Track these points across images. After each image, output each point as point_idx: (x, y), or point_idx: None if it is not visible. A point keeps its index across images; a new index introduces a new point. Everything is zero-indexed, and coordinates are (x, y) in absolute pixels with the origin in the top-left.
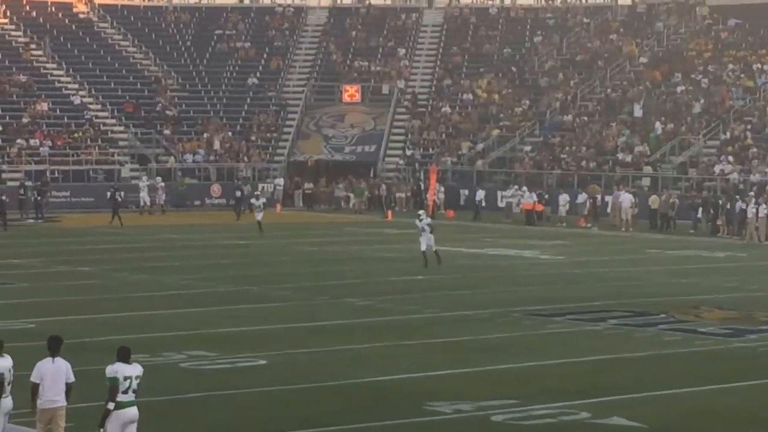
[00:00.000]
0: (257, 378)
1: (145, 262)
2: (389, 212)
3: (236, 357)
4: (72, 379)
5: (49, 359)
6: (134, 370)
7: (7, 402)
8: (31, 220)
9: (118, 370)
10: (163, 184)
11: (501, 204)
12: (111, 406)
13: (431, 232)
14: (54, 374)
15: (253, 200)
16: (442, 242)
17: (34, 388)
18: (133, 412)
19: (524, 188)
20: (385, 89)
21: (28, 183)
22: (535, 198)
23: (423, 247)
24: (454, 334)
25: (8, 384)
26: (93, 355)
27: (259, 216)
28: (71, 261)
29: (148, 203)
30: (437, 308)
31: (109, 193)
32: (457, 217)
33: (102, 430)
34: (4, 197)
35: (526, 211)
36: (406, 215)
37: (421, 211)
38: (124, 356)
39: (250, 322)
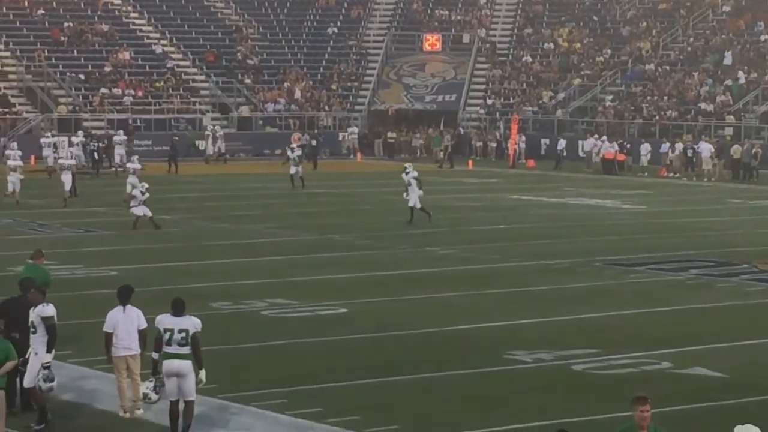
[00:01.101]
0: (338, 326)
1: (227, 211)
2: (469, 161)
3: (318, 305)
4: (144, 326)
5: (120, 308)
6: (179, 323)
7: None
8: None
9: (160, 321)
10: (222, 133)
11: (582, 153)
12: (155, 356)
13: (419, 187)
14: (126, 323)
15: (288, 152)
16: (524, 192)
17: (107, 338)
18: (175, 365)
19: (604, 138)
20: (466, 38)
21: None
22: (616, 147)
23: (411, 203)
24: (535, 284)
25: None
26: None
27: (293, 170)
28: (153, 209)
29: (212, 152)
30: (518, 257)
31: (171, 142)
32: (538, 167)
33: (157, 377)
34: (99, 143)
35: (607, 161)
36: (486, 164)
37: (407, 164)
38: (174, 308)
39: (331, 270)
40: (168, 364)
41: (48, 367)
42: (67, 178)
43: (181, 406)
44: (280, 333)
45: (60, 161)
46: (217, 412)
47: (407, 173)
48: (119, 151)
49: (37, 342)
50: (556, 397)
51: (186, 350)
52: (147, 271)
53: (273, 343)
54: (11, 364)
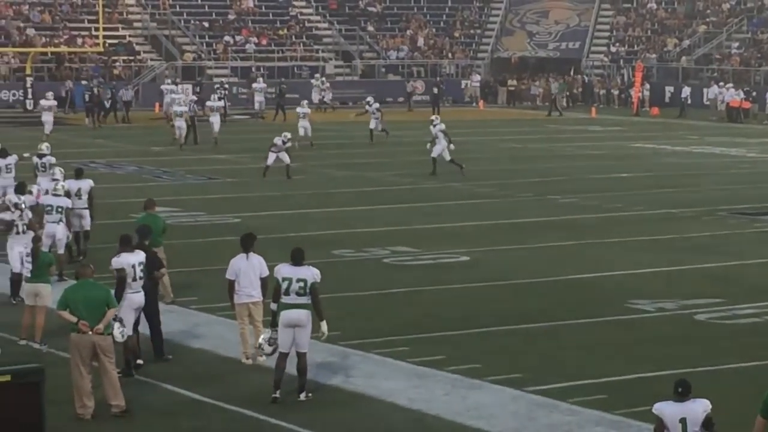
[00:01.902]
0: (459, 274)
1: (350, 158)
2: (593, 109)
3: (439, 253)
4: (266, 273)
5: (242, 256)
6: (298, 272)
7: (136, 297)
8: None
9: (278, 270)
10: (328, 84)
11: (706, 101)
12: (273, 306)
13: (448, 141)
14: (248, 270)
15: (367, 106)
16: (647, 140)
17: (230, 286)
18: (293, 315)
19: (730, 85)
20: None
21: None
22: (741, 95)
23: (434, 154)
24: (658, 233)
25: (135, 279)
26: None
27: (373, 124)
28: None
29: (316, 101)
30: (642, 206)
31: (277, 89)
32: (662, 115)
33: (275, 328)
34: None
35: (732, 108)
36: (610, 112)
37: (434, 117)
38: (293, 257)
39: (453, 218)
40: (286, 314)
41: (118, 320)
42: (180, 124)
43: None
44: (401, 281)
45: (174, 108)
46: (339, 359)
47: (434, 125)
48: (259, 98)
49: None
50: (678, 346)
51: (304, 300)
52: (269, 219)
53: (394, 291)
54: (112, 311)
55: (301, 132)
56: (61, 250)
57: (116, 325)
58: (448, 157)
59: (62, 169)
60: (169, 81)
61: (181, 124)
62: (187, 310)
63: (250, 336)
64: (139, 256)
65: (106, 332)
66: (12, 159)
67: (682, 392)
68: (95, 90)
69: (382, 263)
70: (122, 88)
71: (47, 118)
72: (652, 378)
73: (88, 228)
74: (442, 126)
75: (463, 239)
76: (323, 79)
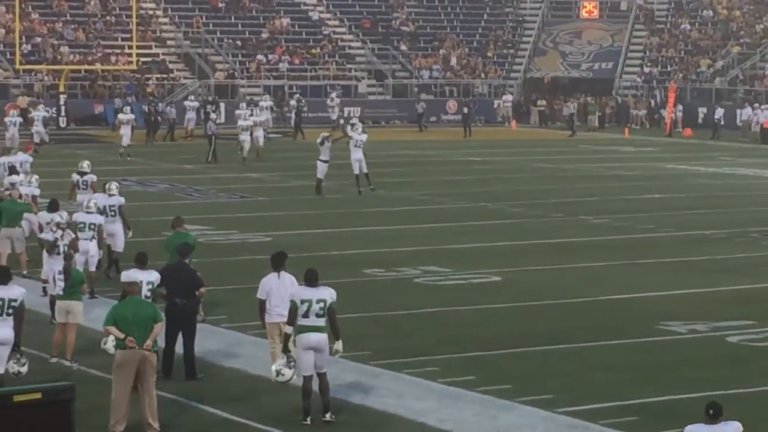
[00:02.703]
0: (490, 294)
1: (381, 178)
2: (626, 130)
3: (470, 273)
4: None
5: (274, 275)
6: (317, 293)
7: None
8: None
9: (296, 293)
10: (338, 101)
11: (739, 123)
12: (288, 329)
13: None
14: (279, 289)
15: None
16: (680, 161)
17: (261, 305)
18: (314, 338)
19: (764, 106)
20: (624, 5)
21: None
22: None
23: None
24: (690, 254)
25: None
26: (327, 270)
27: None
28: (302, 175)
29: (334, 118)
30: (673, 227)
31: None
32: (695, 136)
33: (287, 354)
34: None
35: (765, 130)
36: (643, 133)
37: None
38: (308, 279)
39: (484, 238)
40: (306, 337)
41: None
42: (245, 138)
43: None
44: (432, 300)
45: (240, 123)
46: (369, 378)
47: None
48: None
49: None
50: (710, 369)
51: (322, 322)
52: (301, 237)
53: (426, 311)
54: (159, 327)
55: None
56: (93, 268)
57: (111, 338)
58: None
59: (117, 184)
60: (191, 98)
61: (245, 138)
62: (217, 328)
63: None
64: (150, 275)
65: (153, 348)
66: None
67: (714, 415)
68: (146, 107)
69: (413, 283)
70: (168, 106)
71: (125, 131)
72: (684, 400)
73: (120, 249)
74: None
75: (495, 259)
76: (333, 95)
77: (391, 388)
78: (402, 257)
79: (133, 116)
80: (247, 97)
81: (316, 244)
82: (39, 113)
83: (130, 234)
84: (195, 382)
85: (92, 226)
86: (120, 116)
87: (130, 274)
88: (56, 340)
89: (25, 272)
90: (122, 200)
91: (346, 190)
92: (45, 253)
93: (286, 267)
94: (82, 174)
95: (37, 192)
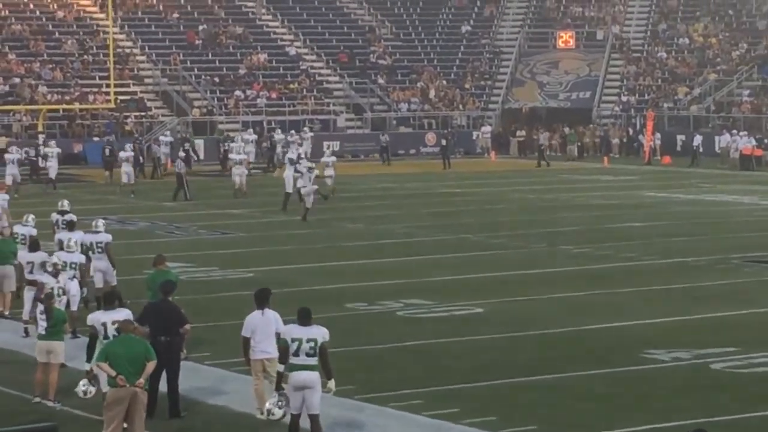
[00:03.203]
0: (473, 326)
1: (361, 211)
2: (605, 158)
3: (452, 305)
4: (282, 329)
5: (258, 312)
6: (307, 332)
7: None
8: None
9: (287, 331)
10: (296, 138)
11: (718, 150)
12: (280, 368)
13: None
14: (263, 326)
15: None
16: (660, 189)
17: (245, 342)
18: (303, 376)
19: (743, 133)
20: (600, 35)
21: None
22: (753, 143)
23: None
24: (672, 282)
25: (106, 338)
26: (310, 305)
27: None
28: (287, 210)
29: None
30: (655, 255)
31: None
32: (674, 163)
33: (281, 392)
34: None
35: (744, 156)
36: (621, 161)
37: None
38: (301, 317)
39: (466, 270)
40: (296, 376)
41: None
42: (240, 172)
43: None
44: (415, 333)
45: (232, 156)
46: (353, 413)
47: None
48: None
49: None
50: (694, 396)
51: (313, 361)
52: (283, 273)
53: (409, 344)
54: (151, 365)
55: (328, 182)
56: (74, 307)
57: (82, 382)
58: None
59: (104, 221)
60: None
61: (241, 171)
62: (201, 366)
63: (265, 392)
64: (116, 315)
65: (144, 387)
66: None
67: None
68: (132, 145)
69: (395, 316)
70: (154, 143)
71: (127, 169)
72: (669, 428)
73: (114, 282)
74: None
75: (477, 291)
76: (292, 132)
77: (375, 422)
78: (384, 290)
79: (132, 153)
80: (225, 133)
81: (299, 279)
82: (12, 155)
83: (114, 272)
84: (179, 420)
85: (73, 266)
86: (121, 154)
87: (92, 318)
88: (38, 380)
89: (7, 313)
90: (109, 237)
91: (325, 224)
92: (26, 293)
93: (269, 304)
94: (63, 213)
95: (34, 232)
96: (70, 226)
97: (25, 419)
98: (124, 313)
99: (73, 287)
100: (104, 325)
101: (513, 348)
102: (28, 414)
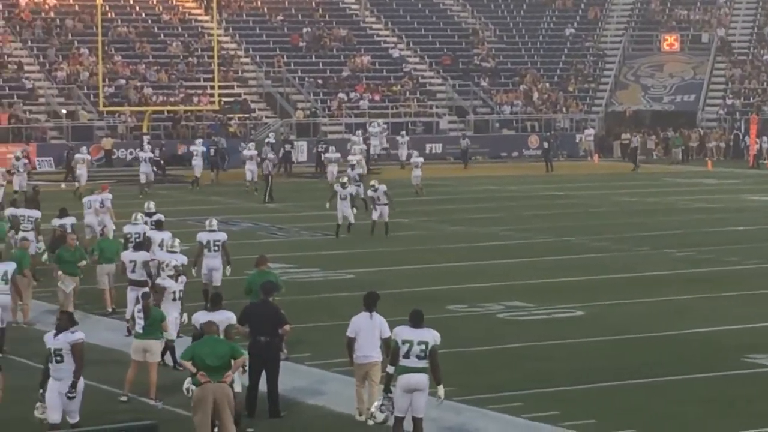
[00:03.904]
0: (574, 329)
1: (463, 213)
2: (708, 162)
3: (553, 308)
4: (387, 334)
5: (365, 314)
6: (419, 334)
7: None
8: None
9: (398, 332)
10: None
11: None
12: (390, 369)
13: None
14: (369, 330)
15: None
16: (764, 192)
17: (350, 342)
18: (413, 379)
19: None
20: (705, 38)
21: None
22: None
23: (374, 216)
24: None
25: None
26: (410, 306)
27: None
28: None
29: (404, 158)
30: (758, 259)
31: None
32: None
33: (388, 394)
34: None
35: None
36: (725, 165)
37: (373, 181)
38: (413, 320)
39: (567, 273)
40: (405, 378)
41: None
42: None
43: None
44: (516, 336)
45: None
46: (452, 415)
47: (375, 190)
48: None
49: None
50: None
51: (423, 363)
52: (383, 274)
53: (508, 346)
54: (242, 359)
55: (415, 182)
56: None
57: (187, 380)
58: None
59: (217, 220)
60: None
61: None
62: (301, 366)
63: (365, 396)
64: (218, 316)
65: (231, 384)
66: (69, 220)
67: None
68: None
69: (496, 318)
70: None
71: (250, 167)
72: None
73: (218, 284)
74: (384, 188)
75: (578, 294)
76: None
77: (474, 424)
78: (485, 293)
79: (256, 152)
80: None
81: (399, 280)
82: (145, 153)
83: (229, 271)
84: (278, 420)
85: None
86: (245, 152)
87: (197, 317)
88: (129, 378)
89: (109, 310)
90: (225, 236)
91: (425, 227)
92: (129, 293)
93: (377, 308)
94: (150, 215)
95: (145, 229)
96: (159, 225)
97: (126, 417)
98: (226, 315)
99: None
100: (218, 326)
101: (613, 351)
102: (129, 412)
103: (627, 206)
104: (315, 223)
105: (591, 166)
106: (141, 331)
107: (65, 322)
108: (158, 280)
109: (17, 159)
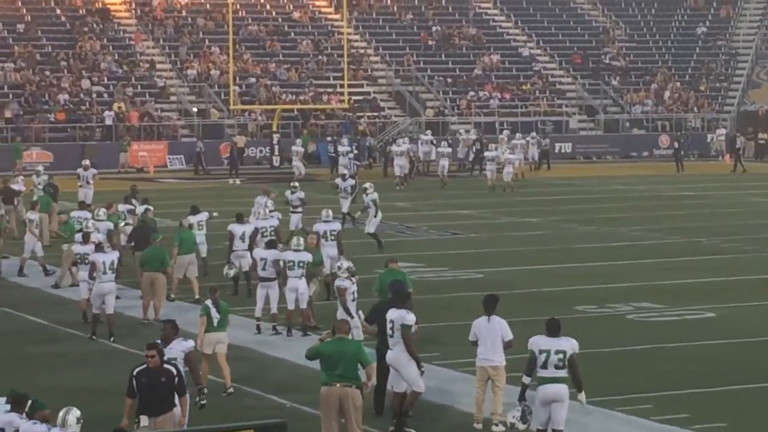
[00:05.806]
0: (705, 331)
1: (592, 213)
2: None
3: (684, 309)
4: (509, 337)
5: (484, 318)
6: (556, 344)
7: None
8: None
9: (535, 342)
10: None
11: None
12: (526, 380)
13: (374, 211)
14: (488, 333)
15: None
16: None
17: (474, 346)
18: (552, 390)
19: None
20: None
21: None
22: None
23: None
24: None
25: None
26: (539, 307)
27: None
28: (517, 212)
29: (531, 159)
30: None
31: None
32: None
33: (524, 404)
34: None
35: None
36: None
37: (367, 185)
38: (549, 328)
39: (698, 274)
40: (544, 390)
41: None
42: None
43: None
44: (645, 337)
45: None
46: (580, 416)
47: (367, 194)
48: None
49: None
50: None
51: (562, 373)
52: (512, 274)
53: (638, 347)
54: (371, 368)
55: (506, 178)
56: (303, 305)
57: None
58: (371, 230)
59: (331, 211)
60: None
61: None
62: (429, 365)
63: (483, 401)
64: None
65: (356, 384)
66: (203, 216)
67: None
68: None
69: (625, 319)
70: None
71: (400, 162)
72: None
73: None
74: (374, 196)
75: (709, 295)
76: (462, 130)
77: (603, 426)
78: (614, 293)
79: (408, 147)
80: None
81: (527, 280)
82: (345, 147)
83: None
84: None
85: (301, 264)
86: (393, 148)
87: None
88: (204, 371)
89: (197, 297)
90: (339, 226)
91: (555, 226)
92: (259, 290)
93: (496, 311)
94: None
95: (276, 223)
96: (239, 218)
97: (256, 415)
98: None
99: (301, 285)
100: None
101: (745, 353)
102: (260, 410)
103: (760, 207)
104: (444, 222)
105: (723, 166)
106: (215, 324)
107: (170, 331)
108: (337, 282)
109: (85, 169)
